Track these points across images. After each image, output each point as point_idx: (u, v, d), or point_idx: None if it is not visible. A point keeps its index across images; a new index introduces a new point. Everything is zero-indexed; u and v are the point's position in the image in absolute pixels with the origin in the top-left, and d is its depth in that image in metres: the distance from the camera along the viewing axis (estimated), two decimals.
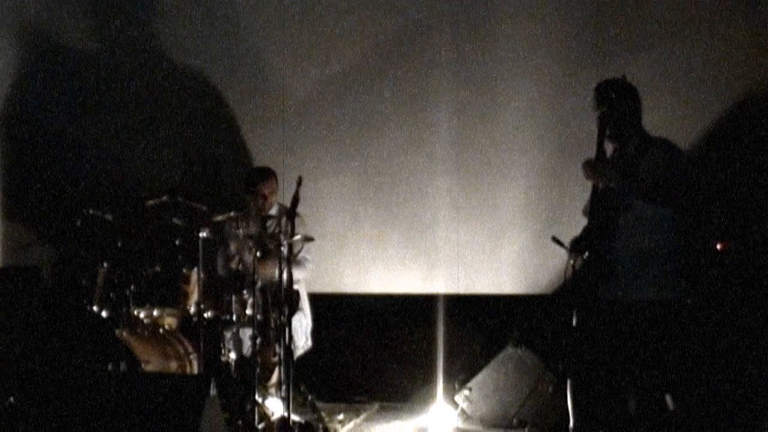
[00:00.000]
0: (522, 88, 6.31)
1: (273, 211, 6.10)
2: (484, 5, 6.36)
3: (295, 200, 5.46)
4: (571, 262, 4.56)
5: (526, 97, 6.31)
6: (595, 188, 4.54)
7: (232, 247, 6.10)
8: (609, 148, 4.57)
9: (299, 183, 5.47)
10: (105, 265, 5.68)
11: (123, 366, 5.43)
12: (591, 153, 4.55)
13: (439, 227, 6.55)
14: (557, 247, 4.87)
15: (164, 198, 5.75)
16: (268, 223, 5.97)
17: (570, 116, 6.11)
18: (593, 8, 6.21)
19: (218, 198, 6.33)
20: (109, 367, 5.44)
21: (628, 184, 4.37)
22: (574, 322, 4.57)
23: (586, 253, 4.46)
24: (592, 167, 4.47)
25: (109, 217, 5.80)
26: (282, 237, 5.50)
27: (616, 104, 4.48)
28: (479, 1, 6.37)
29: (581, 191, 4.84)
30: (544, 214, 6.25)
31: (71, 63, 6.90)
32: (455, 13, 6.42)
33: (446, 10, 6.42)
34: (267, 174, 6.16)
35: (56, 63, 6.92)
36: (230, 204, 6.06)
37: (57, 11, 6.85)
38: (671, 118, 5.76)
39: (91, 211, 5.79)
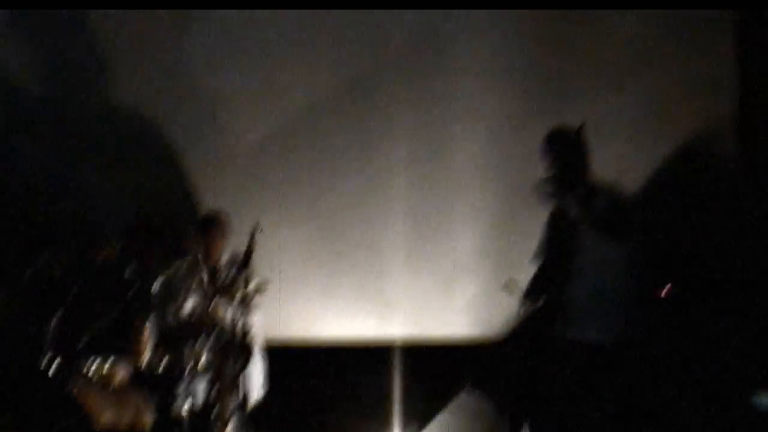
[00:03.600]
0: (474, 135, 6.51)
1: (224, 259, 6.15)
2: (437, 52, 6.54)
3: (251, 247, 5.54)
4: (523, 307, 4.71)
5: (478, 144, 6.50)
6: (547, 232, 4.71)
7: (184, 296, 6.13)
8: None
9: (255, 230, 5.55)
10: (55, 317, 5.68)
11: (74, 420, 5.42)
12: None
13: (392, 272, 6.67)
14: (510, 290, 5.01)
15: (118, 246, 5.80)
16: (221, 270, 6.03)
17: (521, 163, 6.26)
18: (544, 54, 6.41)
19: (172, 245, 6.37)
20: (62, 421, 5.43)
21: (585, 208, 4.54)
22: (527, 365, 4.71)
23: (541, 297, 4.61)
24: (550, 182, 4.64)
25: (61, 264, 5.82)
26: (234, 285, 5.58)
27: (566, 153, 4.67)
28: (432, 48, 6.54)
29: (532, 236, 5.04)
30: (497, 259, 6.41)
31: (24, 107, 6.89)
32: (409, 60, 6.59)
33: (400, 56, 6.59)
34: (217, 219, 6.23)
35: (8, 107, 6.92)
36: (183, 251, 6.11)
37: (13, 57, 6.87)
38: (620, 163, 5.99)
39: (42, 259, 5.81)
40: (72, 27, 6.75)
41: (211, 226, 6.17)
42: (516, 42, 6.40)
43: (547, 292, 4.62)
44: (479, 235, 6.50)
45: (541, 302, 4.62)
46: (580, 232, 4.60)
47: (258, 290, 5.89)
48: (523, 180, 6.12)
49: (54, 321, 5.68)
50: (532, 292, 4.67)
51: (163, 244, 6.25)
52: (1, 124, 6.89)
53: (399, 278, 6.64)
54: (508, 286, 4.91)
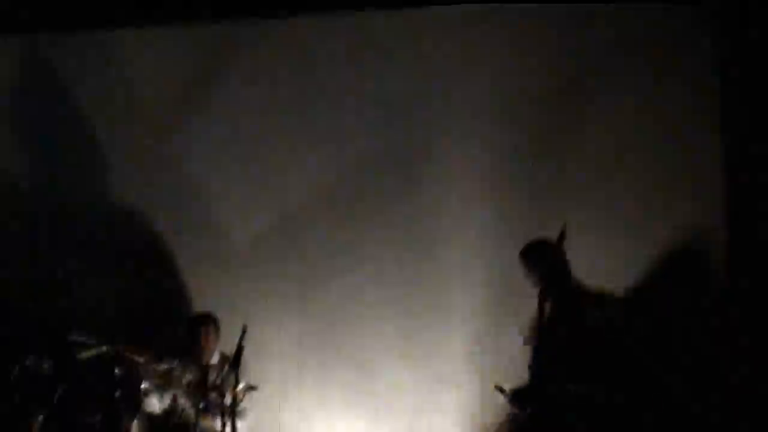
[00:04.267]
0: (465, 236, 6.56)
1: (215, 360, 6.13)
2: (425, 153, 6.66)
3: (240, 349, 5.53)
4: (512, 413, 4.72)
5: (469, 245, 6.55)
6: (534, 339, 4.75)
7: (173, 396, 6.08)
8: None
9: (244, 331, 5.56)
10: (40, 417, 5.65)
11: None
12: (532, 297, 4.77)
13: (382, 372, 6.65)
14: (503, 394, 5.02)
15: (104, 348, 5.80)
16: (210, 373, 6.00)
17: (511, 261, 6.32)
18: (531, 156, 6.54)
19: (160, 346, 6.36)
20: None
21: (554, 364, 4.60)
22: None
23: (531, 404, 4.62)
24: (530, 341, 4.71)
25: (46, 365, 5.81)
26: (224, 387, 5.55)
27: (544, 267, 4.74)
28: (420, 149, 6.67)
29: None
30: (488, 359, 6.38)
31: (20, 204, 6.95)
32: (400, 164, 6.70)
33: (392, 160, 6.71)
34: (208, 320, 6.23)
35: (6, 205, 6.97)
36: (172, 352, 6.09)
37: (13, 155, 6.97)
38: (608, 260, 6.06)
39: (28, 361, 5.80)
40: (71, 123, 6.89)
41: (202, 325, 6.18)
42: (503, 147, 6.54)
43: (537, 398, 4.62)
44: (471, 336, 6.49)
45: (530, 409, 4.62)
46: (567, 339, 4.63)
47: (247, 391, 5.86)
48: (514, 282, 6.22)
49: (40, 420, 5.66)
50: (522, 397, 4.68)
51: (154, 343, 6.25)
52: None
53: (390, 379, 6.62)
54: (500, 390, 4.91)
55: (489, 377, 6.01)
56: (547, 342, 4.65)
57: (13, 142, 6.99)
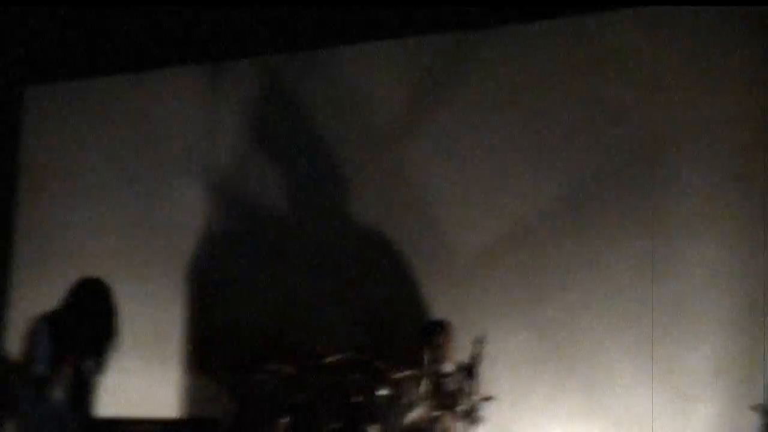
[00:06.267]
0: (706, 247, 6.33)
1: (449, 368, 6.17)
2: (659, 166, 6.48)
3: (477, 358, 5.55)
4: None
5: (712, 256, 6.31)
6: None
7: (410, 404, 6.18)
8: None
9: (481, 341, 5.57)
10: (285, 419, 5.87)
11: None
12: None
13: (618, 386, 6.50)
14: (755, 415, 4.77)
15: (346, 354, 5.97)
16: (445, 381, 6.05)
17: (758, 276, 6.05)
18: None
19: (394, 355, 6.48)
20: None
21: None
22: None
23: None
24: None
25: (290, 371, 6.04)
26: (460, 397, 5.58)
27: None
28: (654, 162, 6.48)
29: None
30: (735, 377, 6.10)
31: (260, 223, 7.31)
32: (631, 171, 6.55)
33: (623, 166, 6.57)
34: (443, 326, 6.29)
35: (246, 222, 7.36)
36: (405, 361, 6.19)
37: (252, 172, 7.37)
38: None
39: (272, 365, 6.06)
40: (304, 140, 7.22)
41: (436, 333, 6.24)
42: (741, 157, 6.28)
43: None
44: (716, 352, 6.22)
45: None
46: None
47: (484, 401, 5.86)
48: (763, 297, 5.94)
49: (285, 424, 5.88)
50: None
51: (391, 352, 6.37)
52: (240, 237, 7.32)
53: (626, 392, 6.45)
54: (758, 409, 4.66)
55: (735, 395, 5.78)
56: None
57: (249, 161, 7.35)
